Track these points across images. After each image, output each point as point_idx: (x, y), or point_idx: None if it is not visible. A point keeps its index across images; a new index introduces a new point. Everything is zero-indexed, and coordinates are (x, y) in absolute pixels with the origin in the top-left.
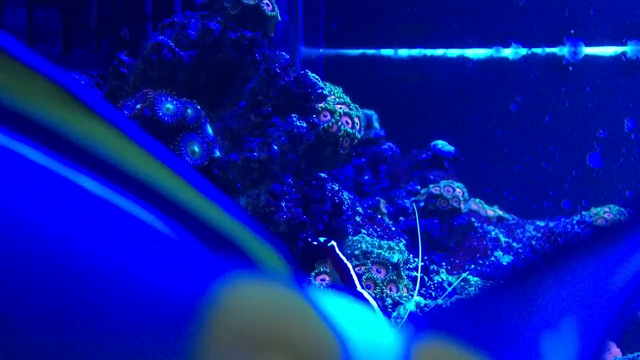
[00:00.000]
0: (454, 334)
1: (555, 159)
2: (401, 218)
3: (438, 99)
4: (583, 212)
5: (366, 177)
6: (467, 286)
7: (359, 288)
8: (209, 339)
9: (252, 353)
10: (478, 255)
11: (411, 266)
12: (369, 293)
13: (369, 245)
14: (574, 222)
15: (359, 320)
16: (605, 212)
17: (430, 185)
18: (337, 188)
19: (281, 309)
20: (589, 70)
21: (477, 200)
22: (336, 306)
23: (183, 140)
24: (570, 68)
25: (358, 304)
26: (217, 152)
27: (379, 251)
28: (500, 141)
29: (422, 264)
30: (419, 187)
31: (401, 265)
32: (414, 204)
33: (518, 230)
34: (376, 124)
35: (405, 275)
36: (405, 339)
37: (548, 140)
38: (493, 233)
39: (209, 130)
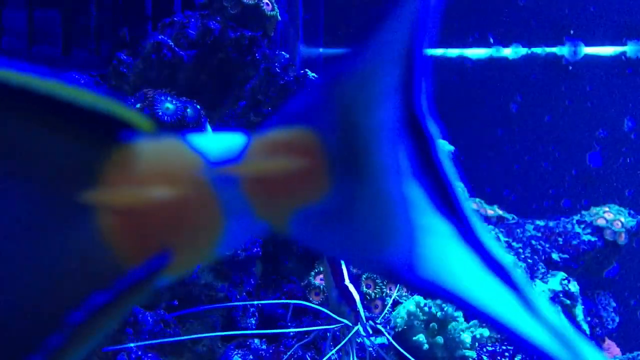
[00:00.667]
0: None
1: (555, 158)
2: None
3: (437, 99)
4: (583, 212)
5: None
6: None
7: (346, 282)
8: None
9: (141, 189)
10: None
11: None
12: (355, 288)
13: None
14: (574, 221)
15: (220, 140)
16: (605, 212)
17: None
18: None
19: (162, 155)
20: (589, 69)
21: (477, 199)
22: (209, 138)
23: None
24: (570, 68)
25: (230, 135)
26: None
27: None
28: (500, 140)
29: None
30: None
31: None
32: None
33: (518, 230)
34: None
35: None
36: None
37: (548, 140)
38: (492, 233)
39: (209, 129)
